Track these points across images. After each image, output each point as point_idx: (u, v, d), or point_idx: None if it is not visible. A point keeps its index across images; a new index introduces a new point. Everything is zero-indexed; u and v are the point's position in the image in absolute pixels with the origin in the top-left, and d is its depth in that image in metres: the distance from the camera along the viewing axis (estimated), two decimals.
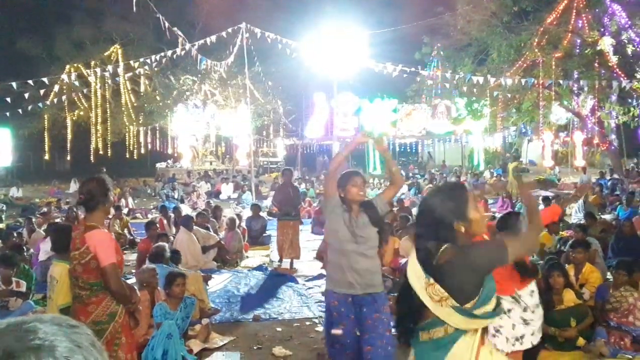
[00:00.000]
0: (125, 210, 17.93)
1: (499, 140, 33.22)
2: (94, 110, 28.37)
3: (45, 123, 28.66)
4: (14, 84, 18.52)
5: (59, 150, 32.47)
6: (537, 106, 23.34)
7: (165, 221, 13.21)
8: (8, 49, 30.27)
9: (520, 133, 31.68)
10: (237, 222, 12.30)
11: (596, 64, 22.16)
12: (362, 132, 5.05)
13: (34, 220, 12.62)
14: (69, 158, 30.59)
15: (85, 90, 27.39)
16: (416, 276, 2.63)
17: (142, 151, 32.76)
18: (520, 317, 4.65)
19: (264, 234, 13.66)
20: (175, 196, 24.02)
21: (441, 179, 27.89)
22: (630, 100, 23.82)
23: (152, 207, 21.31)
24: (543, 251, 9.26)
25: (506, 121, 27.23)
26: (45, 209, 17.05)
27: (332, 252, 4.51)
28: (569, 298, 6.27)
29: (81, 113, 30.27)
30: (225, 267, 10.89)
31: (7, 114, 22.25)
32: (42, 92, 22.62)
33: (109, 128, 29.58)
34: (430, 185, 24.66)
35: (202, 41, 21.08)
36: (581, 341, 6.07)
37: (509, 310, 4.57)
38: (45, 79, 20.61)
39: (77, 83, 25.92)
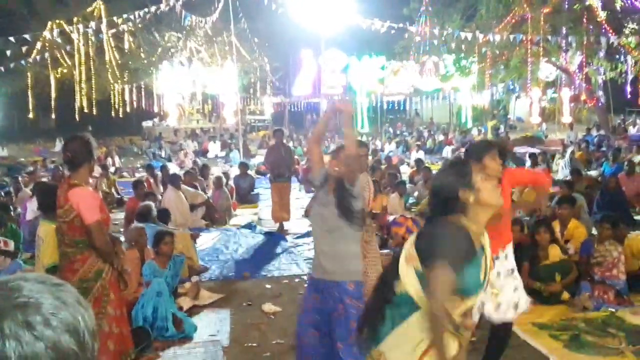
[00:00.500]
0: (112, 169, 17.86)
1: (487, 98, 33.13)
2: (78, 68, 27.80)
3: (29, 81, 28.13)
4: None
5: (43, 108, 31.97)
6: (525, 63, 23.20)
7: (152, 180, 13.16)
8: None
9: (508, 90, 31.60)
10: (224, 180, 12.27)
11: (585, 20, 21.98)
12: (338, 100, 4.43)
13: (20, 179, 12.54)
14: (53, 116, 30.11)
15: (68, 48, 26.83)
16: (409, 244, 2.64)
17: (128, 109, 32.34)
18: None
19: (252, 192, 13.68)
20: (163, 155, 23.95)
21: (429, 136, 27.95)
22: (618, 57, 23.74)
23: (139, 165, 21.23)
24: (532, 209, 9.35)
25: (494, 78, 27.09)
26: (31, 168, 16.93)
27: (313, 232, 4.12)
28: (554, 253, 6.36)
29: (65, 71, 29.72)
30: (214, 226, 10.92)
31: None
32: (24, 49, 22.18)
33: (93, 86, 29.06)
34: (418, 143, 24.73)
35: None
36: (566, 295, 6.18)
37: (498, 274, 4.06)
38: (27, 36, 20.18)
39: (59, 40, 25.40)
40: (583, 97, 26.19)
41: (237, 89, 24.42)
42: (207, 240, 9.56)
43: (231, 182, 13.37)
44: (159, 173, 13.83)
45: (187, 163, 19.27)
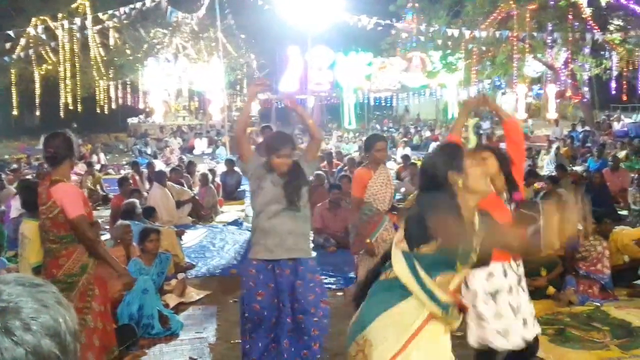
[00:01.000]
0: (97, 167, 17.73)
1: (473, 94, 33.23)
2: (63, 65, 27.60)
3: (13, 78, 27.90)
4: None
5: (28, 105, 31.72)
6: (511, 59, 23.33)
7: (137, 177, 13.08)
8: None
9: (494, 86, 31.74)
10: (210, 177, 12.22)
11: (570, 16, 22.13)
12: (256, 82, 4.53)
13: (3, 177, 12.41)
14: (38, 113, 29.91)
15: (52, 44, 26.63)
16: (400, 227, 2.65)
17: (113, 106, 32.18)
18: (508, 302, 3.60)
19: (239, 189, 13.63)
20: (148, 152, 23.82)
21: (415, 132, 28.02)
22: (602, 53, 23.95)
23: (124, 162, 21.11)
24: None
25: (480, 74, 27.21)
26: (15, 166, 16.78)
27: (255, 216, 4.10)
28: None
29: (49, 67, 29.49)
30: (200, 223, 10.88)
31: None
32: (7, 45, 21.97)
33: (78, 83, 28.86)
34: (405, 139, 24.77)
35: None
36: (551, 290, 6.22)
37: (496, 292, 3.59)
38: (11, 32, 19.99)
39: (44, 36, 25.20)
40: (568, 93, 26.35)
41: (224, 85, 24.33)
42: (193, 237, 9.52)
43: (217, 179, 13.33)
44: (144, 170, 13.75)
45: (173, 160, 19.19)
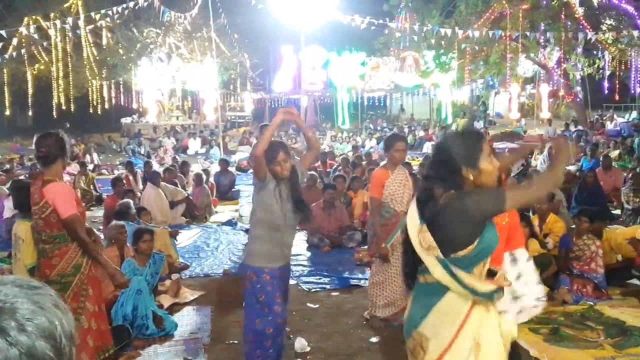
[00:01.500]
0: (90, 167, 17.68)
1: (467, 93, 33.38)
2: (55, 64, 27.51)
3: (5, 77, 27.77)
4: None
5: (20, 105, 31.60)
6: (505, 58, 23.40)
7: (131, 177, 13.04)
8: None
9: (487, 86, 31.83)
10: (204, 177, 12.20)
11: (563, 16, 22.22)
12: (282, 109, 4.55)
13: None
14: (30, 113, 29.81)
15: (45, 44, 26.52)
16: (412, 220, 2.61)
17: (106, 106, 32.07)
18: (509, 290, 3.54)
19: (233, 189, 13.61)
20: (142, 152, 23.74)
21: (409, 132, 28.03)
22: (595, 52, 24.06)
23: (118, 163, 21.04)
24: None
25: (474, 74, 27.30)
26: (7, 166, 16.69)
27: (263, 227, 4.18)
28: (533, 248, 6.41)
29: (42, 67, 29.39)
30: (194, 223, 10.86)
31: None
32: (0, 45, 21.84)
33: (71, 82, 28.77)
34: None
35: None
36: (545, 289, 6.23)
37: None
38: (3, 32, 19.89)
39: (36, 36, 25.10)
40: (561, 92, 26.47)
41: (217, 85, 24.27)
42: (187, 237, 9.50)
43: (211, 179, 13.30)
44: (139, 170, 13.71)
45: (166, 160, 19.15)
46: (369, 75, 30.92)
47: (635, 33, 20.97)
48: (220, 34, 28.00)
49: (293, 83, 30.12)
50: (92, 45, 29.52)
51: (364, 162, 14.75)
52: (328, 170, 13.65)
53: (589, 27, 21.75)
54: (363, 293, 6.67)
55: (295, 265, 7.83)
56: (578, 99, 25.90)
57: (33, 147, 4.18)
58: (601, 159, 13.19)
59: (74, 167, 15.04)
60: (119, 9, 20.84)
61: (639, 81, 24.85)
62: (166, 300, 6.20)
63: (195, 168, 15.16)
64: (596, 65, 24.55)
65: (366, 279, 7.17)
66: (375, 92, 33.27)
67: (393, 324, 5.35)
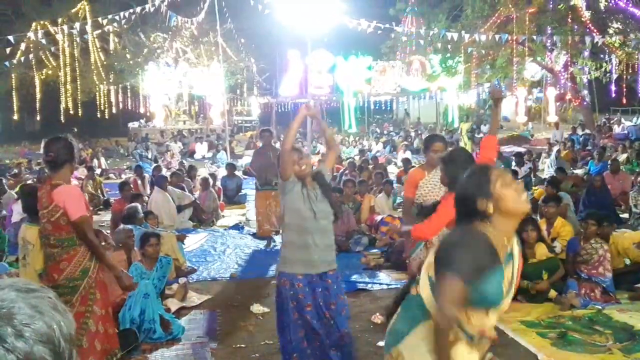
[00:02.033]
0: (98, 171, 17.76)
1: (473, 97, 33.26)
2: (63, 69, 27.65)
3: (13, 82, 27.93)
4: None
5: (28, 110, 31.74)
6: (511, 62, 23.36)
7: (139, 181, 13.09)
8: None
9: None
10: (211, 181, 12.24)
11: (569, 20, 22.16)
12: (305, 106, 4.58)
13: (4, 181, 12.41)
14: (38, 118, 29.94)
15: (53, 49, 26.68)
16: (433, 249, 2.59)
17: (114, 111, 32.19)
18: None
19: (240, 193, 13.64)
20: (149, 156, 23.82)
21: (416, 136, 28.02)
22: (602, 56, 23.96)
23: (125, 167, 21.13)
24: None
25: (480, 78, 27.23)
26: (16, 170, 16.78)
27: (292, 232, 4.17)
28: (541, 252, 6.40)
29: (50, 72, 29.55)
30: (201, 227, 10.89)
31: None
32: (8, 50, 21.99)
33: (78, 87, 28.90)
34: (405, 143, 24.75)
35: None
36: (553, 293, 6.21)
37: None
38: (11, 37, 20.02)
39: (44, 41, 25.25)
40: (568, 96, 26.38)
41: (224, 89, 24.32)
42: (194, 241, 9.52)
43: (218, 183, 13.34)
44: (146, 175, 13.76)
45: (174, 164, 19.20)
46: (375, 79, 30.88)
47: None
48: (226, 39, 28.07)
49: (299, 87, 30.08)
50: (99, 50, 29.67)
51: (370, 166, 14.76)
52: (334, 174, 13.66)
53: (595, 30, 21.68)
54: (370, 297, 6.67)
55: None
56: (585, 103, 25.82)
57: (41, 151, 4.20)
58: (610, 162, 13.15)
59: (81, 172, 15.11)
60: (126, 14, 20.94)
61: None
62: (173, 304, 6.21)
63: (202, 172, 15.20)
64: (603, 69, 24.45)
65: (373, 283, 7.17)
66: (382, 96, 33.21)
67: None
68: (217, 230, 10.58)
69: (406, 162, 15.64)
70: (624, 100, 25.50)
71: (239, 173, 14.84)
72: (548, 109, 28.33)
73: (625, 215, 10.54)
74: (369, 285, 7.03)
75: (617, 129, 24.12)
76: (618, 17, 23.10)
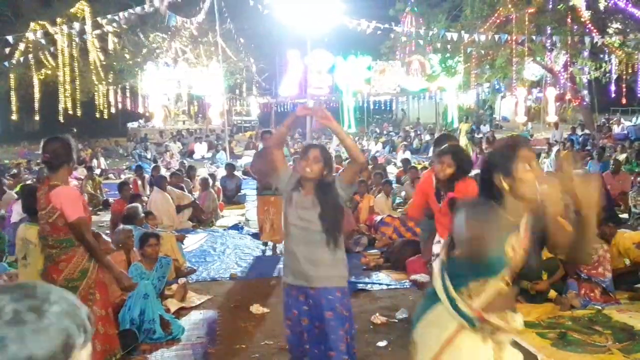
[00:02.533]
0: (97, 171, 17.75)
1: (473, 97, 33.28)
2: (62, 69, 27.57)
3: (12, 83, 27.90)
4: None
5: (27, 110, 31.67)
6: (511, 62, 23.34)
7: (139, 181, 13.09)
8: None
9: (493, 90, 31.73)
10: (210, 182, 12.23)
11: (569, 20, 22.15)
12: (302, 106, 4.37)
13: (4, 181, 12.41)
14: (37, 118, 29.87)
15: (52, 49, 26.61)
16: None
17: (113, 111, 32.17)
18: None
19: (239, 193, 13.64)
20: (148, 156, 23.82)
21: (415, 136, 28.02)
22: (602, 56, 23.96)
23: (124, 167, 21.12)
24: None
25: (480, 78, 27.23)
26: (15, 171, 16.78)
27: (285, 233, 3.87)
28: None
29: (48, 72, 29.50)
30: (201, 227, 10.88)
31: None
32: (7, 50, 21.96)
33: (77, 87, 28.83)
34: (405, 143, 24.73)
35: None
36: (553, 294, 6.21)
37: None
38: (9, 37, 20.00)
39: (43, 41, 25.19)
40: (568, 96, 26.38)
41: (223, 89, 24.33)
42: (194, 241, 9.52)
43: (218, 183, 13.34)
44: (146, 175, 13.76)
45: (173, 164, 19.19)
46: (374, 80, 30.90)
47: None
48: (226, 39, 28.04)
49: (299, 87, 30.11)
50: (98, 50, 29.61)
51: (369, 166, 14.75)
52: (334, 175, 13.62)
53: (595, 30, 21.68)
54: (369, 297, 6.66)
55: None
56: (585, 103, 25.81)
57: (40, 151, 4.19)
58: (611, 162, 13.15)
59: (80, 172, 15.10)
60: (125, 14, 20.92)
61: None
62: (173, 305, 6.21)
63: (202, 172, 15.20)
64: (603, 69, 24.46)
65: (373, 283, 7.16)
66: (381, 96, 33.25)
67: None
68: (216, 231, 10.58)
69: (405, 162, 15.64)
70: (624, 101, 25.50)
71: (238, 173, 14.83)
72: (547, 109, 28.34)
73: (625, 216, 10.54)
74: (369, 286, 7.03)
75: (616, 129, 24.13)
76: (617, 17, 23.09)
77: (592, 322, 5.65)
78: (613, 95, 25.12)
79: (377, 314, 5.86)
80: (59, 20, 25.93)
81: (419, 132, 29.57)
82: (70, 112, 27.96)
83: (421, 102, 36.54)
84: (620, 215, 10.47)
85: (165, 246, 7.13)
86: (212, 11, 20.35)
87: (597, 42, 21.13)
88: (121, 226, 6.71)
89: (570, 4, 21.94)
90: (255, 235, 9.95)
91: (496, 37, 21.45)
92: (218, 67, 25.28)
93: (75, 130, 27.10)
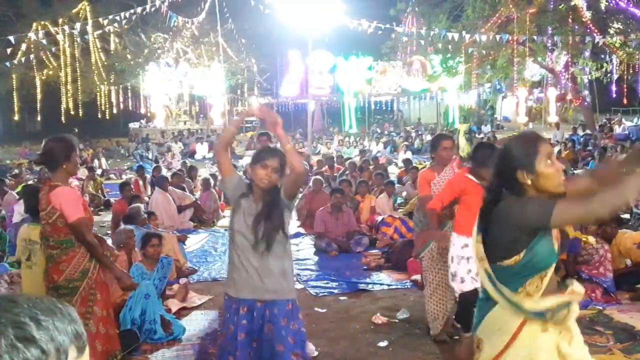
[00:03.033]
0: (99, 172, 17.75)
1: (474, 97, 33.29)
2: (64, 70, 27.70)
3: (14, 83, 27.97)
4: None
5: (29, 110, 31.81)
6: (512, 62, 23.37)
7: (141, 182, 13.09)
8: None
9: (494, 90, 31.74)
10: (212, 182, 12.23)
11: (570, 20, 22.18)
12: (248, 110, 4.27)
13: (5, 182, 12.42)
14: (39, 119, 29.99)
15: (53, 49, 26.70)
16: (473, 230, 2.57)
17: (114, 111, 32.24)
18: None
19: None
20: (150, 157, 23.81)
21: (416, 136, 28.02)
22: (603, 56, 23.98)
23: (126, 167, 21.13)
24: None
25: (481, 78, 27.25)
26: (16, 171, 16.79)
27: (230, 242, 3.66)
28: None
29: (50, 72, 29.60)
30: (202, 227, 10.88)
31: None
32: (9, 51, 22.02)
33: (79, 88, 28.95)
34: (406, 143, 24.74)
35: None
36: None
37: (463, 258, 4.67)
38: (11, 38, 20.05)
39: (45, 41, 25.27)
40: (569, 96, 26.38)
41: (225, 89, 24.37)
42: (195, 242, 9.52)
43: (219, 184, 13.33)
44: (148, 175, 13.76)
45: (174, 164, 19.19)
46: (376, 80, 30.90)
47: None
48: (227, 39, 28.10)
49: (300, 88, 30.10)
50: (100, 50, 29.70)
51: (371, 167, 14.75)
52: (335, 174, 13.65)
53: (596, 31, 21.70)
54: (371, 297, 6.66)
55: (302, 269, 7.85)
56: (586, 103, 25.81)
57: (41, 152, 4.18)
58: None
59: (82, 172, 15.10)
60: (127, 14, 20.98)
61: None
62: (174, 305, 6.21)
63: (203, 173, 15.20)
64: (604, 69, 24.48)
65: (374, 283, 7.16)
66: (382, 97, 33.24)
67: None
68: (217, 231, 10.57)
69: (407, 162, 15.63)
70: (625, 101, 25.52)
71: (239, 173, 14.82)
72: (549, 110, 28.33)
73: (627, 216, 10.53)
74: (370, 286, 7.02)
75: (617, 129, 24.11)
76: (619, 17, 23.12)
77: (593, 323, 5.64)
78: (614, 95, 25.14)
79: (378, 314, 5.86)
80: (60, 20, 25.99)
81: (420, 133, 29.56)
82: (72, 112, 28.04)
83: (422, 102, 36.55)
84: (622, 216, 10.46)
85: (167, 246, 7.13)
86: (213, 11, 20.40)
87: (598, 42, 21.15)
88: (122, 226, 6.72)
89: (572, 4, 21.97)
90: None
91: (497, 37, 21.46)
92: (219, 67, 25.33)
93: (76, 130, 27.15)
